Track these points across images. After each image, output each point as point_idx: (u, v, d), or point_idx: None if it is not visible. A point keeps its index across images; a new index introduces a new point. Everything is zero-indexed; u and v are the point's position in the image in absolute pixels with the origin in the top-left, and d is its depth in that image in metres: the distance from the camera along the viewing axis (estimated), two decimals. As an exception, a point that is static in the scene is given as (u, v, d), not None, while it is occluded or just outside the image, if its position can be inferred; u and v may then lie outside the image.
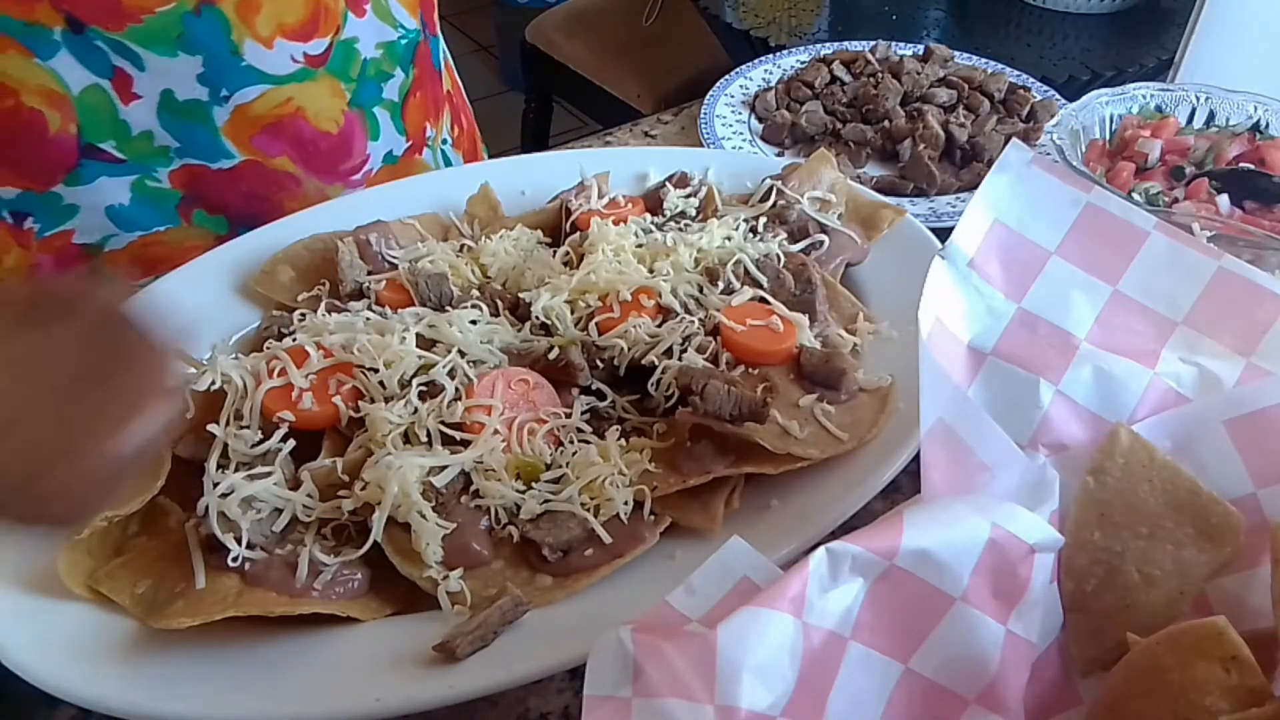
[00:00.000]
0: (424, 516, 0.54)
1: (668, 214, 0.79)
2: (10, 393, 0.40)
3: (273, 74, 0.82)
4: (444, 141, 1.02)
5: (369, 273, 0.74)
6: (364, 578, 0.54)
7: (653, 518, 0.56)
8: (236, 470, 0.57)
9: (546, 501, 0.57)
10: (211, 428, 0.60)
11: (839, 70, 1.11)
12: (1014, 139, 0.50)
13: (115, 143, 0.80)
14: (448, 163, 1.02)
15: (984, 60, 1.12)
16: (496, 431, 0.58)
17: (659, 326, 0.66)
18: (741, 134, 1.02)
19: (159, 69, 0.77)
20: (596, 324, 0.66)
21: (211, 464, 0.58)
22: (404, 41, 0.91)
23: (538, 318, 0.68)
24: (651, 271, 0.70)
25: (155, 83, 0.78)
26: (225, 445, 0.60)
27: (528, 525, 0.56)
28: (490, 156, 1.13)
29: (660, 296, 0.68)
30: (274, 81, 0.82)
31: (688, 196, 0.81)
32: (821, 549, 0.37)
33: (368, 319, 0.67)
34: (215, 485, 0.55)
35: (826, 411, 0.61)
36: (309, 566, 0.53)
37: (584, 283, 0.69)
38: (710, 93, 1.09)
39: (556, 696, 0.54)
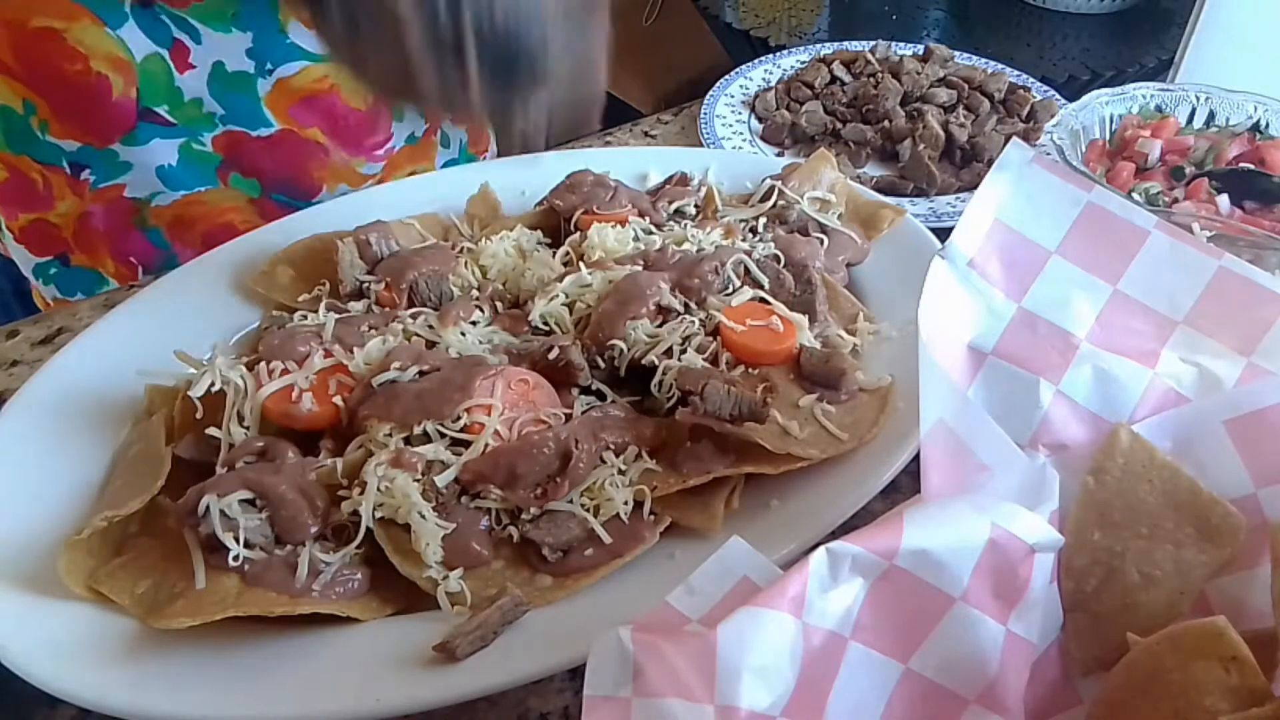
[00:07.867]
0: (424, 516, 0.54)
1: (664, 214, 0.80)
2: None
3: (314, 52, 0.89)
4: None
5: (368, 272, 0.74)
6: (364, 578, 0.54)
7: (653, 518, 0.56)
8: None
9: (547, 501, 0.57)
10: (212, 431, 0.60)
11: (839, 70, 1.11)
12: (1014, 138, 0.50)
13: (169, 107, 0.87)
14: (445, 142, 1.06)
15: (984, 60, 1.12)
16: (496, 431, 0.58)
17: (659, 327, 0.66)
18: (741, 134, 1.02)
19: (213, 42, 0.85)
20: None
21: (219, 465, 0.58)
22: None
23: (533, 323, 0.68)
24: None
25: (209, 54, 0.85)
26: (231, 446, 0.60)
27: (528, 525, 0.56)
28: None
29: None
30: (314, 59, 0.89)
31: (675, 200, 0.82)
32: (821, 549, 0.37)
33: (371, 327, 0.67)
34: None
35: (827, 411, 0.61)
36: (309, 566, 0.53)
37: (580, 283, 0.69)
38: (710, 93, 1.09)
39: (556, 696, 0.54)
